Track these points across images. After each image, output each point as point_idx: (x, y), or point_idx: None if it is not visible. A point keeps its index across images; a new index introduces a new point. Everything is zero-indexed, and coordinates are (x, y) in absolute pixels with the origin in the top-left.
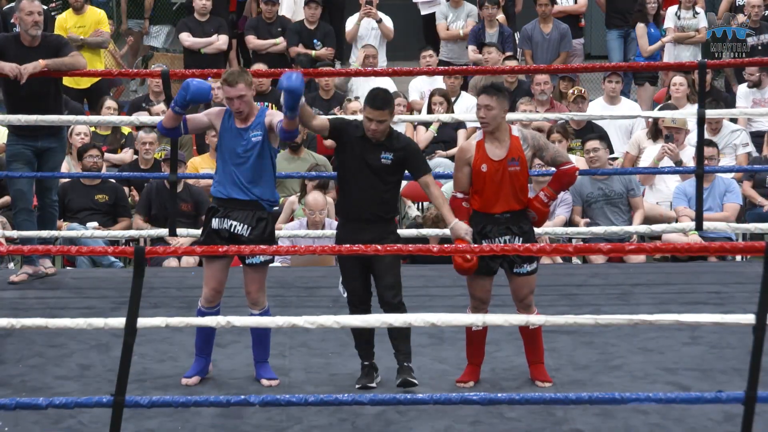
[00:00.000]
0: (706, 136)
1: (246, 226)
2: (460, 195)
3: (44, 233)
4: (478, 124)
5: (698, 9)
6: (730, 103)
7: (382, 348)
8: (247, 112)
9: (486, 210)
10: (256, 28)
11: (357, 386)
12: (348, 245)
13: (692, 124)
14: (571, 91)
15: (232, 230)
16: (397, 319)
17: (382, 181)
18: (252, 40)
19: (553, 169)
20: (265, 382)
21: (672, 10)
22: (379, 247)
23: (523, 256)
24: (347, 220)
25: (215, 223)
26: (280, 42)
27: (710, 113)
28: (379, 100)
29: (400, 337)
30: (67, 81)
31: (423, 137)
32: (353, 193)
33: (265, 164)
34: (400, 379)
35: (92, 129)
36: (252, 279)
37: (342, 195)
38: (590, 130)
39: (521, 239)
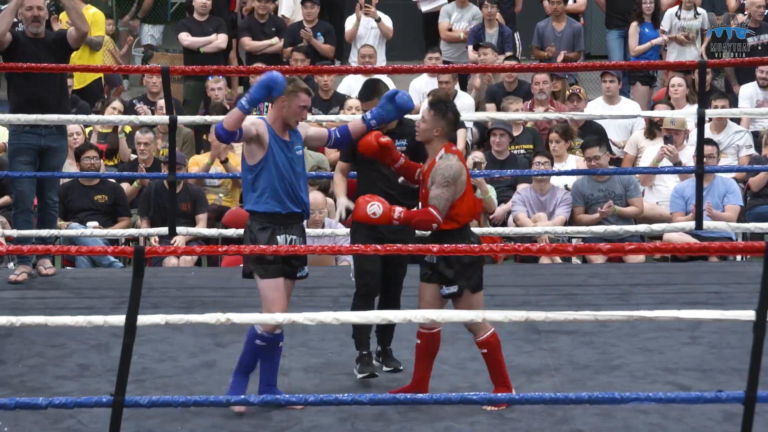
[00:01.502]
0: (710, 133)
1: (300, 239)
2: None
3: (44, 232)
4: (470, 124)
5: (700, 10)
6: (733, 102)
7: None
8: None
9: None
10: (249, 28)
11: (361, 375)
12: (348, 245)
13: (692, 124)
14: (570, 90)
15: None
16: (396, 316)
17: None
18: (248, 42)
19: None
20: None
21: (672, 10)
22: (379, 247)
23: (446, 279)
24: None
25: (281, 240)
26: (276, 42)
27: (710, 113)
28: (365, 89)
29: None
30: None
31: None
32: (380, 189)
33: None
34: (390, 368)
35: (89, 129)
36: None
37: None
38: (589, 130)
39: (440, 261)
